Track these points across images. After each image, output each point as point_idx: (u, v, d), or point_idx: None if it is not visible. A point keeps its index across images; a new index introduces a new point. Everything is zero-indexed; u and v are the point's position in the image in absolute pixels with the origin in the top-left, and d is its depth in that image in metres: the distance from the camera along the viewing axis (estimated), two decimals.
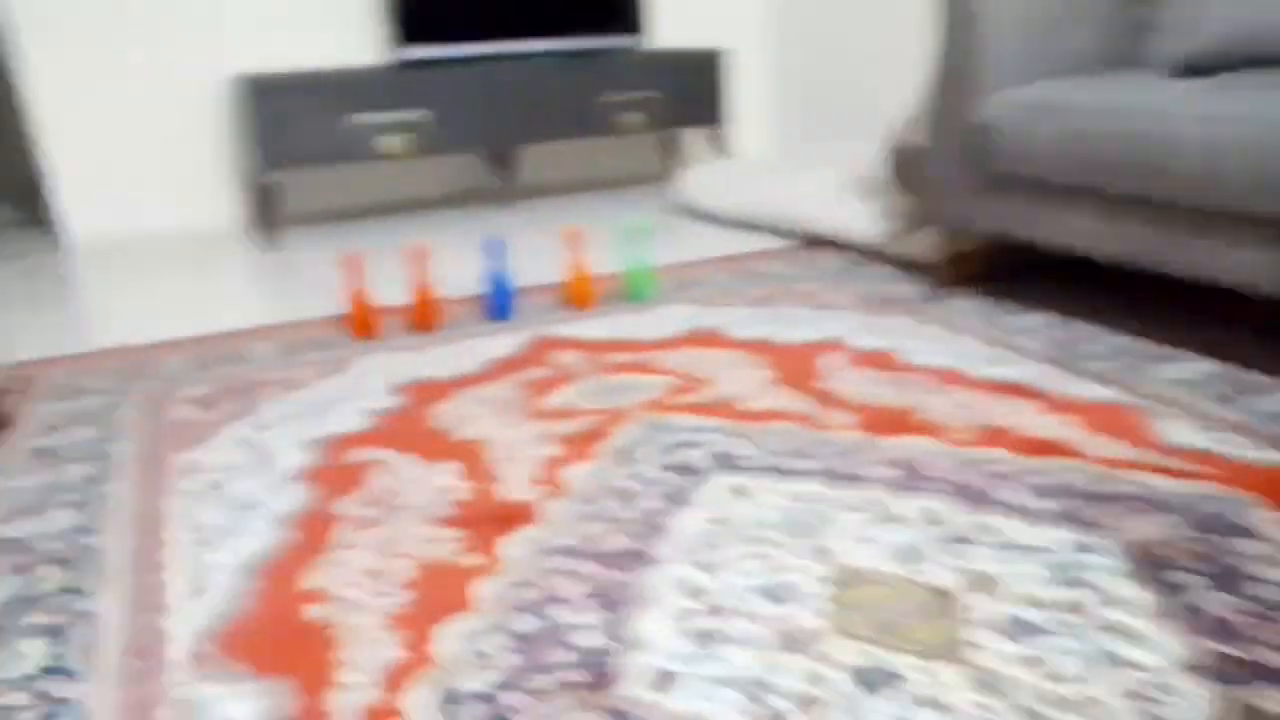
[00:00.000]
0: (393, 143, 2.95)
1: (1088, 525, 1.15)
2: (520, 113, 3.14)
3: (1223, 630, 0.95)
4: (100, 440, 1.52)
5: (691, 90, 3.43)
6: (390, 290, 2.30)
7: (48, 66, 2.93)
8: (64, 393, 1.73)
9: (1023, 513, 1.18)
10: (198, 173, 3.19)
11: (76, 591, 1.09)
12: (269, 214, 2.85)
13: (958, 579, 1.05)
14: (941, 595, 1.02)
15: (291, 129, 2.81)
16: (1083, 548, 1.10)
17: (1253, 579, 1.03)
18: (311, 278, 2.52)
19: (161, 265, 2.71)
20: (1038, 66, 1.91)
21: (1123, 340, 1.77)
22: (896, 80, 3.38)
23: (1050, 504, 1.20)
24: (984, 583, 1.04)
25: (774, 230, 2.79)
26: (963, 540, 1.12)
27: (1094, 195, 1.74)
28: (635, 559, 1.11)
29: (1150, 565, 1.06)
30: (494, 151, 3.26)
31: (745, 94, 3.96)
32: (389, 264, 2.60)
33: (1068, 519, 1.16)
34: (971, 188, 1.98)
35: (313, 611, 1.04)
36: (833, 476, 1.29)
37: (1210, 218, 1.56)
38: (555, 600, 1.04)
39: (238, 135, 3.18)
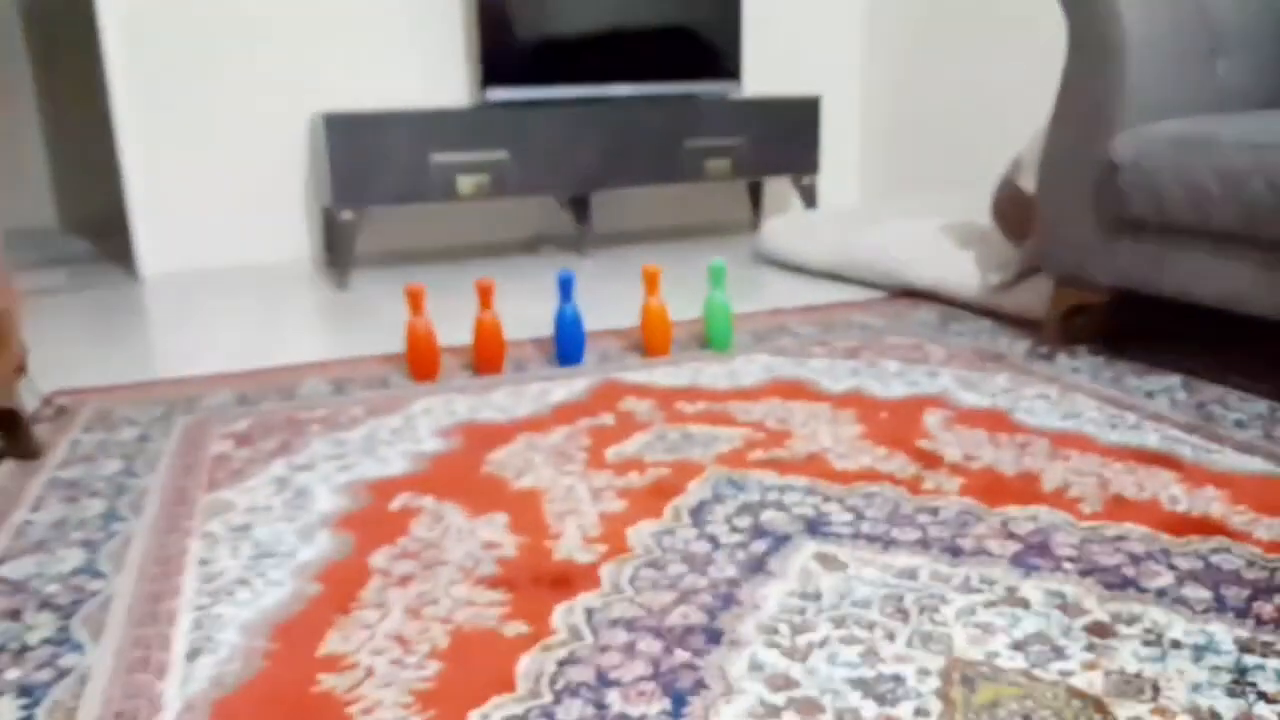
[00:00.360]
0: (470, 184, 2.88)
1: (1252, 619, 0.94)
2: (601, 156, 3.04)
3: None
4: (128, 474, 1.41)
5: (784, 137, 3.31)
6: (455, 330, 2.18)
7: (134, 102, 2.92)
8: (102, 423, 1.63)
9: (1172, 601, 0.98)
10: (277, 210, 3.16)
11: (66, 643, 0.96)
12: (343, 252, 2.78)
13: (1102, 681, 0.85)
14: (1085, 701, 0.83)
15: (368, 167, 2.75)
16: (1248, 646, 0.90)
17: None
18: (379, 316, 2.42)
19: (232, 300, 2.65)
20: (1183, 100, 1.73)
21: (1261, 406, 1.55)
22: (989, 128, 3.20)
23: (1203, 592, 1.00)
24: (1135, 686, 0.84)
25: (863, 281, 2.61)
26: (1104, 633, 0.93)
27: (1246, 242, 1.54)
28: (706, 636, 0.94)
29: None
30: (572, 195, 3.16)
31: (831, 142, 3.82)
32: (457, 304, 2.49)
33: (1227, 611, 0.96)
34: (1094, 234, 1.79)
35: (326, 681, 0.89)
36: (940, 549, 1.11)
37: None
38: (610, 683, 0.87)
39: (318, 173, 3.14)
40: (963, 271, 2.28)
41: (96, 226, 4.39)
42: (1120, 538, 1.12)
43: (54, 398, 1.75)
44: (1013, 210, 2.13)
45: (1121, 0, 1.69)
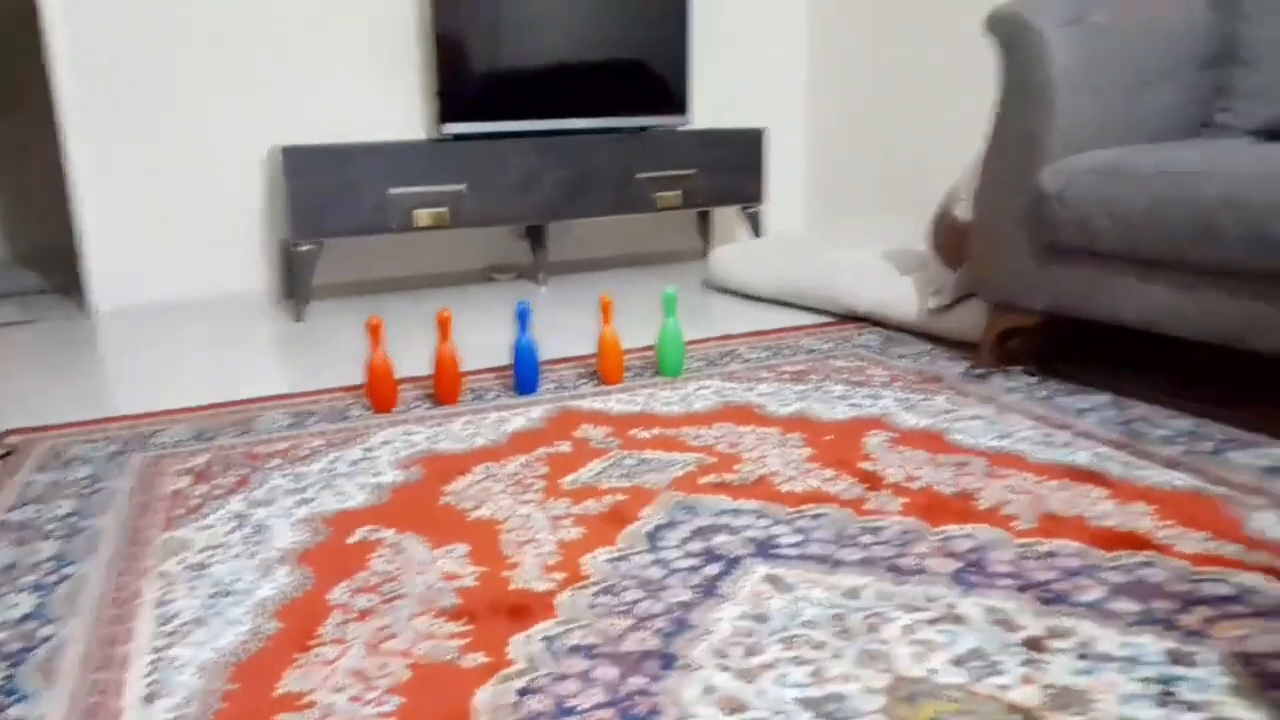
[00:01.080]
0: (428, 215, 2.91)
1: (1179, 630, 1.00)
2: (557, 188, 3.10)
3: None
4: (80, 514, 1.40)
5: (732, 168, 3.39)
6: (413, 362, 2.19)
7: (86, 132, 2.90)
8: (53, 462, 1.62)
9: (1102, 615, 1.03)
10: (233, 242, 3.13)
11: (14, 694, 0.96)
12: (300, 284, 2.79)
13: (1038, 694, 0.90)
14: (1021, 714, 0.87)
15: (326, 199, 2.77)
16: (1177, 657, 0.95)
17: None
18: (336, 348, 2.43)
19: (187, 333, 2.64)
20: (1109, 133, 1.81)
21: (1186, 423, 1.63)
22: (927, 157, 3.30)
23: (1132, 604, 1.05)
24: (1069, 698, 0.89)
25: (809, 307, 2.67)
26: (1038, 647, 0.98)
27: (1170, 266, 1.61)
28: (661, 662, 0.97)
29: (1258, 680, 0.91)
30: (529, 226, 3.20)
31: (777, 171, 3.90)
32: (414, 336, 2.51)
33: (1155, 623, 1.01)
34: (1027, 261, 1.86)
35: None
36: (883, 568, 1.15)
37: None
38: (567, 712, 0.90)
39: (274, 205, 3.14)
40: (903, 296, 2.35)
41: (47, 258, 4.33)
42: (1053, 554, 1.17)
43: (3, 437, 1.73)
44: (949, 238, 2.21)
45: (1050, 41, 1.77)
